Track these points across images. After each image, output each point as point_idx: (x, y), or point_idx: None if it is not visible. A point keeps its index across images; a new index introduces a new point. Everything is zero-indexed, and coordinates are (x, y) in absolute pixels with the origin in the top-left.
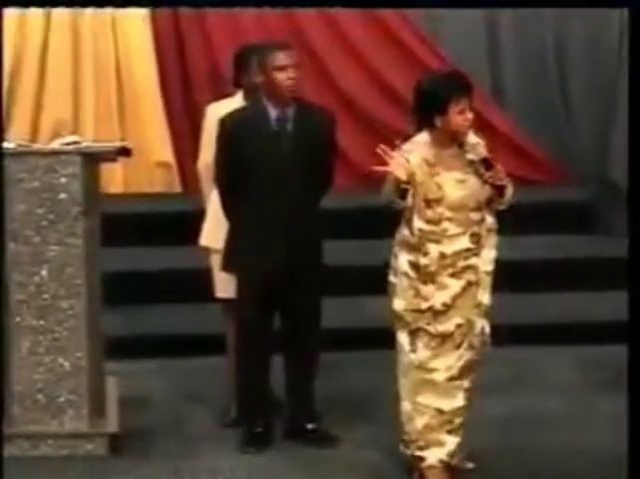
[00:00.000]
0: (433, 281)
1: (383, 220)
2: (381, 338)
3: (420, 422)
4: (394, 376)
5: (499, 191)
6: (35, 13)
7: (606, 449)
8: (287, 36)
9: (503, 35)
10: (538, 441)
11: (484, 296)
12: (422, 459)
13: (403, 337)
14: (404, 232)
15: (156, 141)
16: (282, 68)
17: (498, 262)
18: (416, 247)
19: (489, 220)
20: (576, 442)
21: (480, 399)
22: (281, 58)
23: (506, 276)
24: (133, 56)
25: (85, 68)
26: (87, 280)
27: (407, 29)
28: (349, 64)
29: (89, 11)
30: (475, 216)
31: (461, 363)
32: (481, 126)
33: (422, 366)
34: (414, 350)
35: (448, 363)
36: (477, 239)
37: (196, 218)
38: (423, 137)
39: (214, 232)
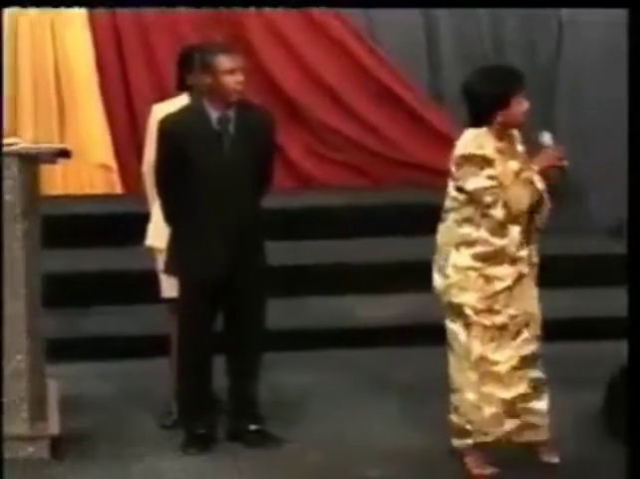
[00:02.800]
0: (512, 263)
1: (321, 219)
2: (321, 338)
3: (488, 411)
4: (337, 376)
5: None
6: None
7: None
8: (227, 36)
9: (442, 35)
10: None
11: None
12: (486, 445)
13: (461, 331)
14: (462, 231)
15: (95, 142)
16: (231, 71)
17: None
18: (495, 235)
19: (537, 216)
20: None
21: None
22: (229, 61)
23: None
24: (72, 58)
25: (23, 69)
26: (27, 283)
27: (345, 29)
28: (288, 64)
29: (29, 12)
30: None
31: (522, 353)
32: (422, 126)
33: (484, 359)
34: (472, 342)
35: (508, 354)
36: (524, 231)
37: (137, 219)
38: (475, 132)
39: (160, 232)
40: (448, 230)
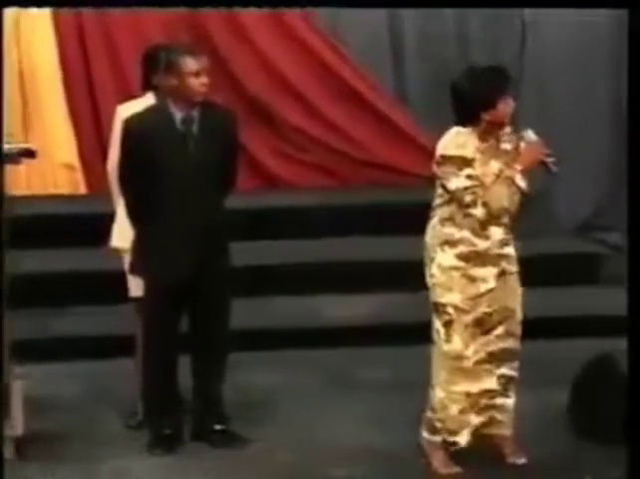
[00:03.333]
0: (493, 264)
1: (287, 220)
2: (288, 338)
3: (455, 409)
4: (303, 376)
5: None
6: None
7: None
8: (190, 36)
9: (407, 35)
10: None
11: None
12: (454, 444)
13: (440, 328)
14: (445, 230)
15: (59, 142)
16: (196, 73)
17: None
18: (477, 235)
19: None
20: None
21: None
22: (195, 63)
23: None
24: (35, 57)
25: None
26: None
27: (309, 29)
28: (253, 64)
29: None
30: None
31: (490, 349)
32: (387, 126)
33: (457, 356)
34: (449, 341)
35: (476, 348)
36: (507, 228)
37: (102, 219)
38: (458, 131)
39: (124, 232)
40: (433, 228)
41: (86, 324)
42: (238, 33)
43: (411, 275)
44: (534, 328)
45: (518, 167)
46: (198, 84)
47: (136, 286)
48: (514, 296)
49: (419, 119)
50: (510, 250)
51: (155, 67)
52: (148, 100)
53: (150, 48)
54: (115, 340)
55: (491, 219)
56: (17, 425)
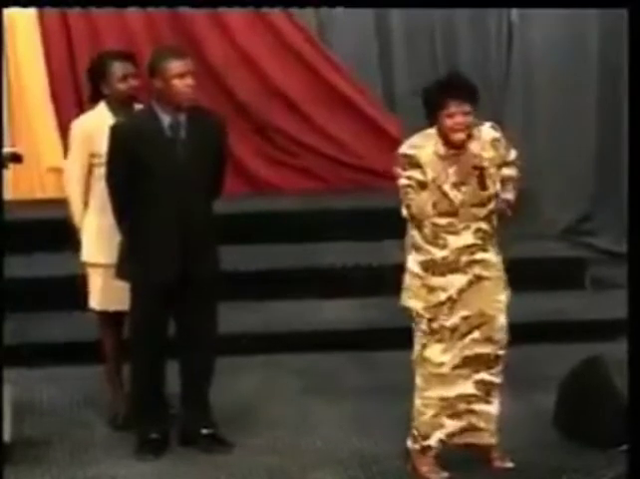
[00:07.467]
0: (452, 272)
1: (273, 224)
2: (272, 342)
3: (429, 414)
4: (290, 380)
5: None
6: None
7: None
8: (178, 41)
9: (395, 39)
10: None
11: (506, 291)
12: (428, 448)
13: (415, 335)
14: (412, 233)
15: (46, 146)
16: (181, 75)
17: None
18: (430, 243)
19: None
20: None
21: None
22: (180, 65)
23: None
24: (21, 59)
25: None
26: None
27: (299, 35)
28: (242, 70)
29: None
30: (478, 211)
31: (466, 353)
32: (374, 129)
33: (430, 362)
34: (424, 347)
35: (453, 354)
36: (482, 234)
37: None
38: (424, 132)
39: (96, 246)
40: (408, 232)
41: (66, 329)
42: (226, 37)
43: (397, 280)
44: (519, 333)
45: (452, 177)
46: (183, 85)
47: (97, 300)
48: (491, 302)
49: (406, 123)
50: (487, 256)
51: (104, 75)
52: (101, 111)
53: (97, 56)
54: (97, 345)
55: (416, 222)
56: (5, 431)
